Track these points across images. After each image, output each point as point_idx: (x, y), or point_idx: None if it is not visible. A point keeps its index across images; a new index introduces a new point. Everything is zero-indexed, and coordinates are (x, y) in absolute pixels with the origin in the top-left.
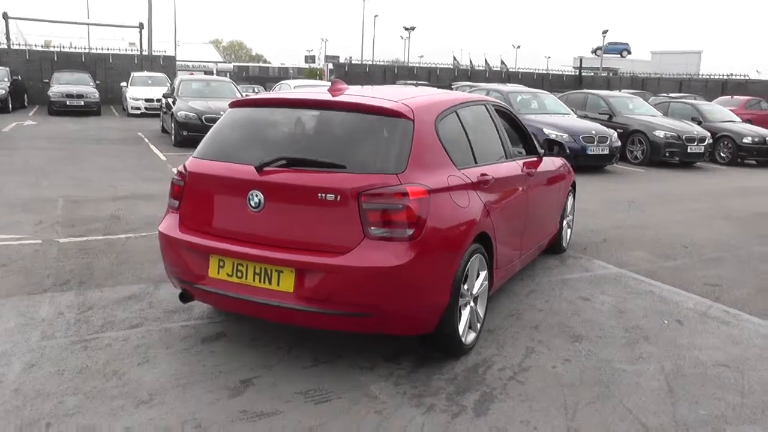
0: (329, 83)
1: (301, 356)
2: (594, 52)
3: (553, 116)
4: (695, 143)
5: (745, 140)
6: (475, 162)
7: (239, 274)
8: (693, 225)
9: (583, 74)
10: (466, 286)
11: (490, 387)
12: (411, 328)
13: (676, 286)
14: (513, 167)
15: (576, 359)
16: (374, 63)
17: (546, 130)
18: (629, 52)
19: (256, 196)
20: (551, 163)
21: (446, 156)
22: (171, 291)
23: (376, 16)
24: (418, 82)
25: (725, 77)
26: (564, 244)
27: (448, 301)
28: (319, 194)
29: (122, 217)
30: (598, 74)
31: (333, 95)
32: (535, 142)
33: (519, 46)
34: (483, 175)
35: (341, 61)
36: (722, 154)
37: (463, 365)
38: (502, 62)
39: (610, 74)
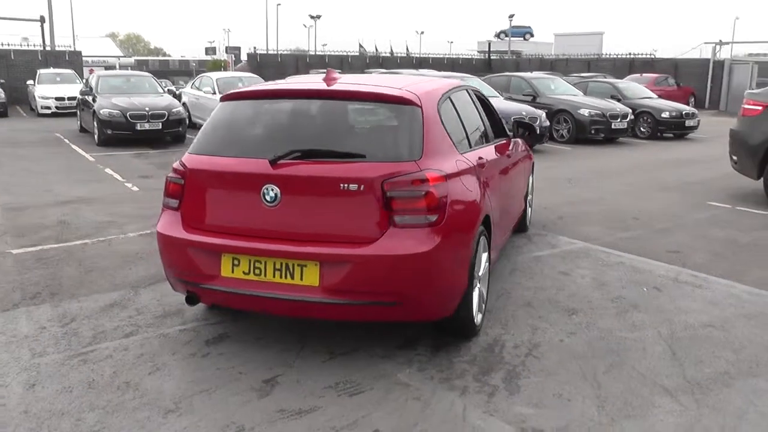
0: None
1: (316, 351)
2: (498, 35)
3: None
4: (618, 120)
5: (663, 115)
6: (470, 146)
7: (257, 271)
8: (635, 197)
9: (491, 57)
10: (475, 269)
11: (511, 365)
12: (434, 314)
13: (641, 256)
14: (496, 149)
15: (579, 332)
16: (287, 53)
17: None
18: (532, 35)
19: (272, 190)
20: (518, 145)
21: (450, 141)
22: (154, 295)
23: (278, 4)
24: (370, 70)
25: (632, 56)
26: (528, 223)
27: (467, 284)
28: (342, 185)
29: (71, 223)
30: (503, 57)
31: (330, 85)
32: (504, 125)
33: (422, 32)
34: (480, 158)
35: (246, 51)
36: (642, 129)
37: (478, 346)
38: (407, 48)
39: (516, 57)
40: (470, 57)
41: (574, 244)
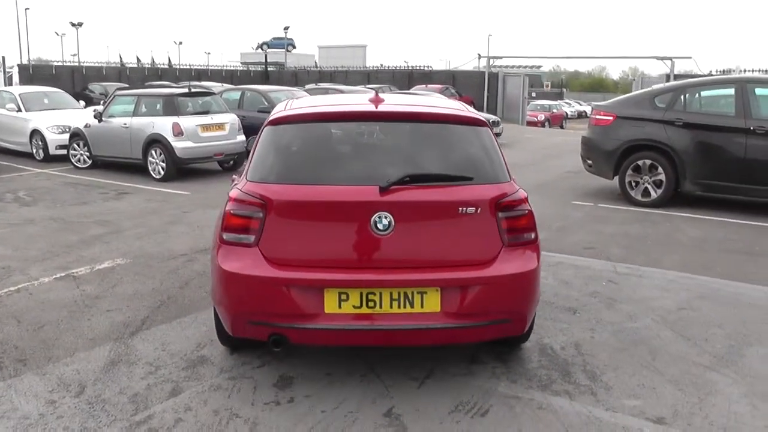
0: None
1: (395, 378)
2: (260, 47)
3: None
4: None
5: None
6: None
7: (371, 304)
8: None
9: (256, 69)
10: None
11: (579, 365)
12: (528, 325)
13: (568, 254)
14: None
15: (597, 328)
16: (61, 64)
17: None
18: (294, 47)
19: (385, 218)
20: None
21: None
22: (152, 345)
23: (27, 9)
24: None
25: (410, 68)
26: None
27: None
28: (460, 208)
29: None
30: (257, 69)
31: (377, 106)
32: None
33: (181, 43)
34: None
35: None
36: None
37: (534, 351)
38: (169, 60)
39: (279, 68)
40: (247, 69)
41: None
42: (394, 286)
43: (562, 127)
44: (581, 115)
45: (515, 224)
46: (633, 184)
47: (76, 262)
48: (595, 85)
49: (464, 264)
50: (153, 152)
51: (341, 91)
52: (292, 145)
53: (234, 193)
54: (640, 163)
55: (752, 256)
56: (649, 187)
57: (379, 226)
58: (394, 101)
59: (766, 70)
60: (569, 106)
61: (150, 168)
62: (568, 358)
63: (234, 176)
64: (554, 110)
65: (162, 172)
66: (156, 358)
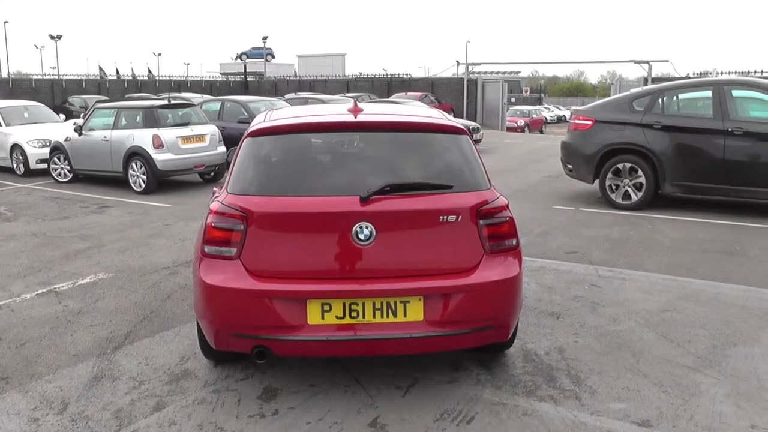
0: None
1: (380, 388)
2: (239, 57)
3: None
4: None
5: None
6: None
7: (354, 314)
8: None
9: (236, 80)
10: None
11: (563, 369)
12: (511, 332)
13: (550, 259)
14: None
15: (581, 332)
16: (40, 77)
17: None
18: (273, 56)
19: (366, 228)
20: None
21: None
22: (135, 359)
23: (6, 22)
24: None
25: (390, 76)
26: None
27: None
28: (441, 216)
29: None
30: (240, 79)
31: (356, 116)
32: None
33: (160, 54)
34: None
35: None
36: None
37: (516, 358)
38: (149, 71)
39: (258, 78)
40: (227, 80)
41: None
42: (376, 296)
43: (541, 132)
44: (561, 120)
45: (496, 231)
46: (613, 187)
47: (59, 278)
48: (573, 90)
49: (446, 272)
50: (133, 165)
51: (321, 101)
52: (272, 157)
53: (215, 205)
54: (620, 166)
55: (732, 255)
56: (629, 190)
57: (360, 236)
58: (374, 111)
59: (742, 72)
60: (548, 110)
61: (131, 181)
62: (552, 363)
63: (215, 188)
64: (534, 115)
65: (143, 185)
66: (139, 372)
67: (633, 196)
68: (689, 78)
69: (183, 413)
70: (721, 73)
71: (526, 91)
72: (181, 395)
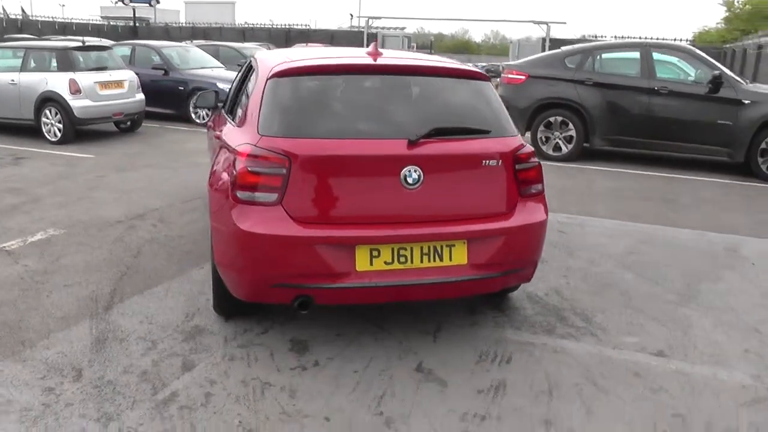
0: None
1: (408, 334)
2: (121, 0)
3: (214, 70)
4: None
5: None
6: None
7: (402, 259)
8: None
9: (123, 25)
10: None
11: (569, 309)
12: (534, 273)
13: None
14: None
15: (569, 274)
16: None
17: (220, 85)
18: (158, 1)
19: (414, 171)
20: None
21: None
22: (133, 319)
23: None
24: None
25: (288, 26)
26: None
27: None
28: (483, 161)
29: None
30: (128, 24)
31: (375, 59)
32: None
33: None
34: None
35: None
36: None
37: (522, 300)
38: (23, 10)
39: (146, 24)
40: (115, 24)
41: None
42: (425, 240)
43: None
44: None
45: (528, 176)
46: (544, 139)
47: (3, 236)
48: (460, 47)
49: (487, 216)
50: (47, 112)
51: (235, 49)
52: (306, 99)
53: (246, 148)
54: (551, 119)
55: (668, 203)
56: (559, 142)
57: (409, 179)
58: (397, 55)
59: (619, 37)
60: None
61: (44, 129)
62: (556, 303)
63: (210, 124)
64: None
65: (58, 135)
66: (147, 332)
67: (563, 148)
68: (586, 40)
69: (217, 371)
70: (602, 37)
71: (413, 48)
72: (206, 353)
